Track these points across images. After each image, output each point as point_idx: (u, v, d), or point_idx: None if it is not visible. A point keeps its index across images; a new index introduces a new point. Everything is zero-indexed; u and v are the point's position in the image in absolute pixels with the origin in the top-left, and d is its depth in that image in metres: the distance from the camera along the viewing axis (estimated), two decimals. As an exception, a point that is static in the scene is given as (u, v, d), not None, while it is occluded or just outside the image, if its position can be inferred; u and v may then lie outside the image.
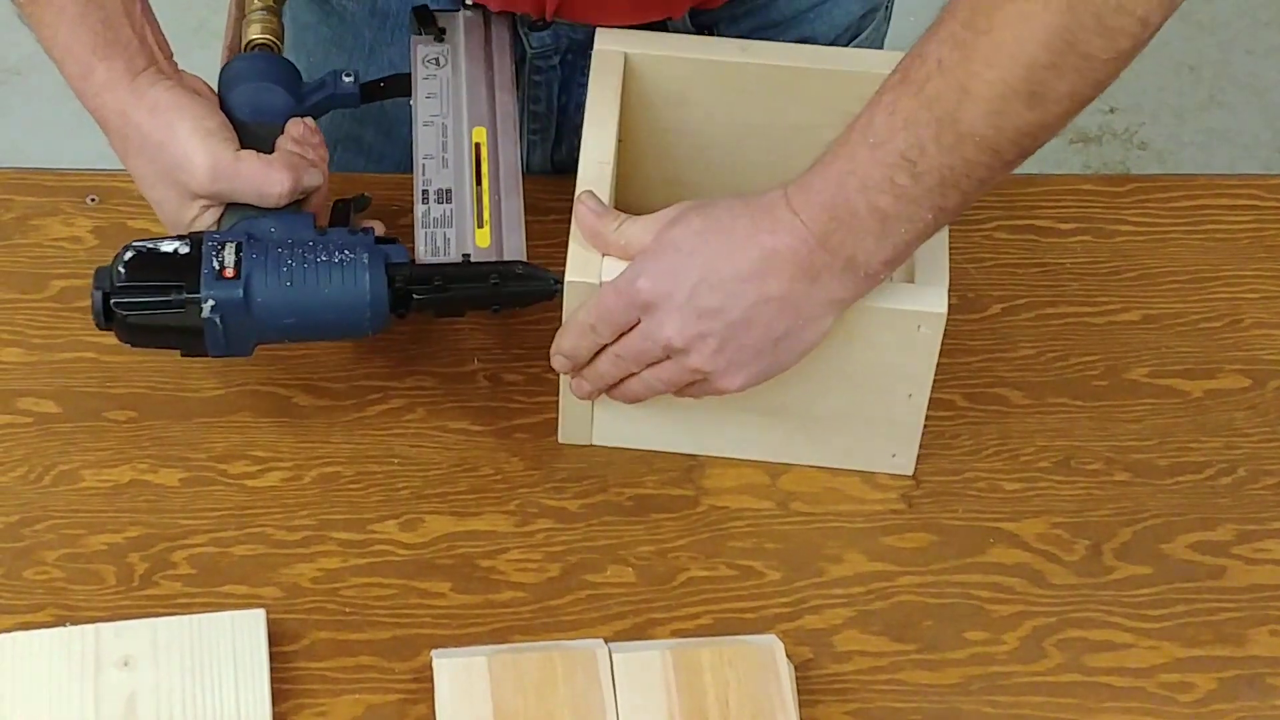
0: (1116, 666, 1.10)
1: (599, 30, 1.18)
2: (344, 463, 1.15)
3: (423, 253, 1.12)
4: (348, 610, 1.10)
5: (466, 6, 1.23)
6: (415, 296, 1.11)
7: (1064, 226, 1.29)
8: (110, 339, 1.14)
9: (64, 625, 1.06)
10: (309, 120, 1.16)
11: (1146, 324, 1.25)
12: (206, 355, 1.10)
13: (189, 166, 1.10)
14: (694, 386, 1.09)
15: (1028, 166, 1.05)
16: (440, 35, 1.21)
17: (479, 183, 1.15)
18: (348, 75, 1.19)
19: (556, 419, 1.17)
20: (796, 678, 1.07)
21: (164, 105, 1.11)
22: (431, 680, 1.05)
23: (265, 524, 1.13)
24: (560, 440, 1.17)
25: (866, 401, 1.13)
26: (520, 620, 1.10)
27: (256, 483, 1.14)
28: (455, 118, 1.18)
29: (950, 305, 1.14)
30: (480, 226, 1.13)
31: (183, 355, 1.12)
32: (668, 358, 1.08)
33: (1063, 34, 0.98)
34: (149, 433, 1.15)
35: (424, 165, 1.16)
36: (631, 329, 1.08)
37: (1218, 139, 2.55)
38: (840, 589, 1.12)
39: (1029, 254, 1.27)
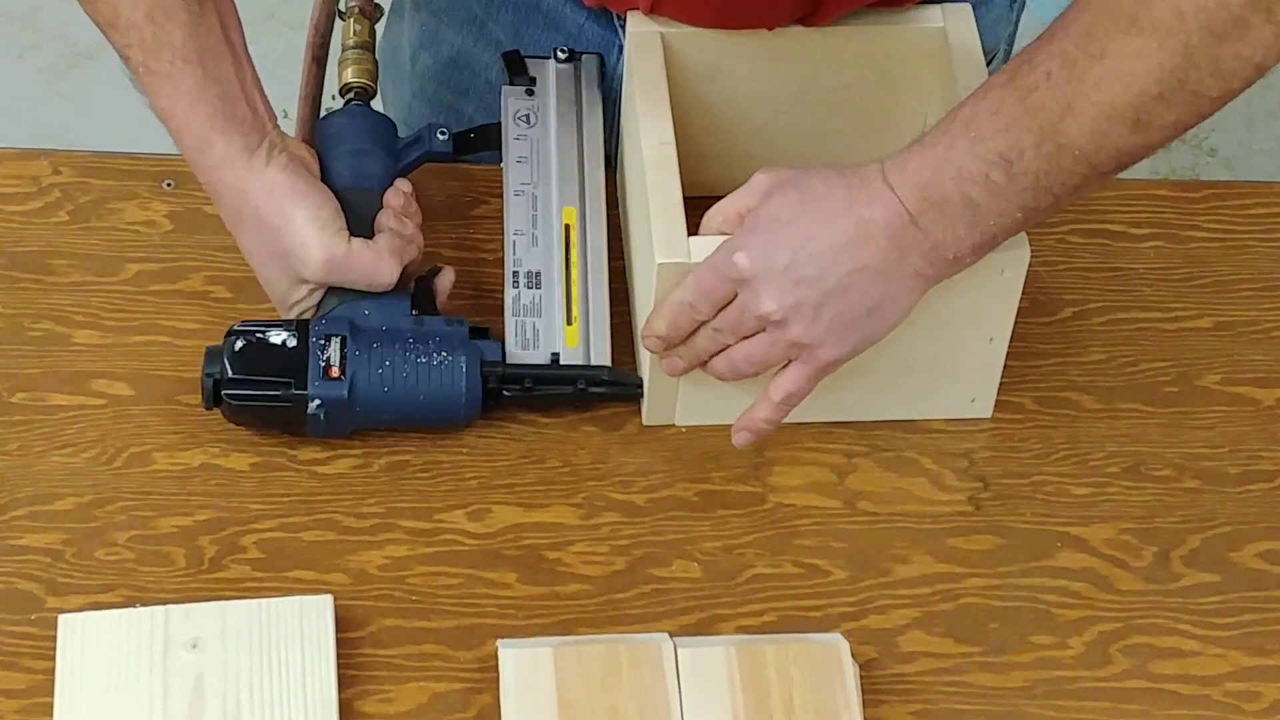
0: (1182, 674, 1.09)
1: (630, 15, 1.18)
2: (413, 451, 1.16)
3: (512, 343, 1.15)
4: (414, 598, 1.10)
5: (559, 60, 1.23)
6: (505, 394, 1.14)
7: (1137, 231, 1.28)
8: (184, 323, 1.15)
9: (134, 606, 1.07)
10: (406, 187, 1.18)
11: (1219, 331, 1.24)
12: (306, 436, 1.14)
13: (304, 256, 1.13)
14: (791, 362, 1.09)
15: (1104, 170, 1.05)
16: (531, 87, 1.22)
17: (569, 271, 1.17)
18: (442, 133, 1.21)
19: (624, 412, 1.17)
20: (860, 677, 1.06)
21: (280, 189, 1.12)
22: (496, 670, 1.05)
23: (334, 510, 1.13)
24: (645, 422, 1.17)
25: (948, 347, 1.14)
26: (585, 613, 1.10)
27: (326, 469, 1.15)
28: (544, 189, 1.20)
29: (1021, 308, 1.15)
30: (569, 324, 1.15)
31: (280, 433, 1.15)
32: (763, 331, 1.08)
33: (1176, 73, 0.98)
34: (220, 418, 1.16)
35: (514, 242, 1.18)
36: (729, 304, 1.08)
37: (1288, 147, 2.53)
38: (906, 589, 1.12)
39: (1102, 258, 1.27)
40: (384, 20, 1.41)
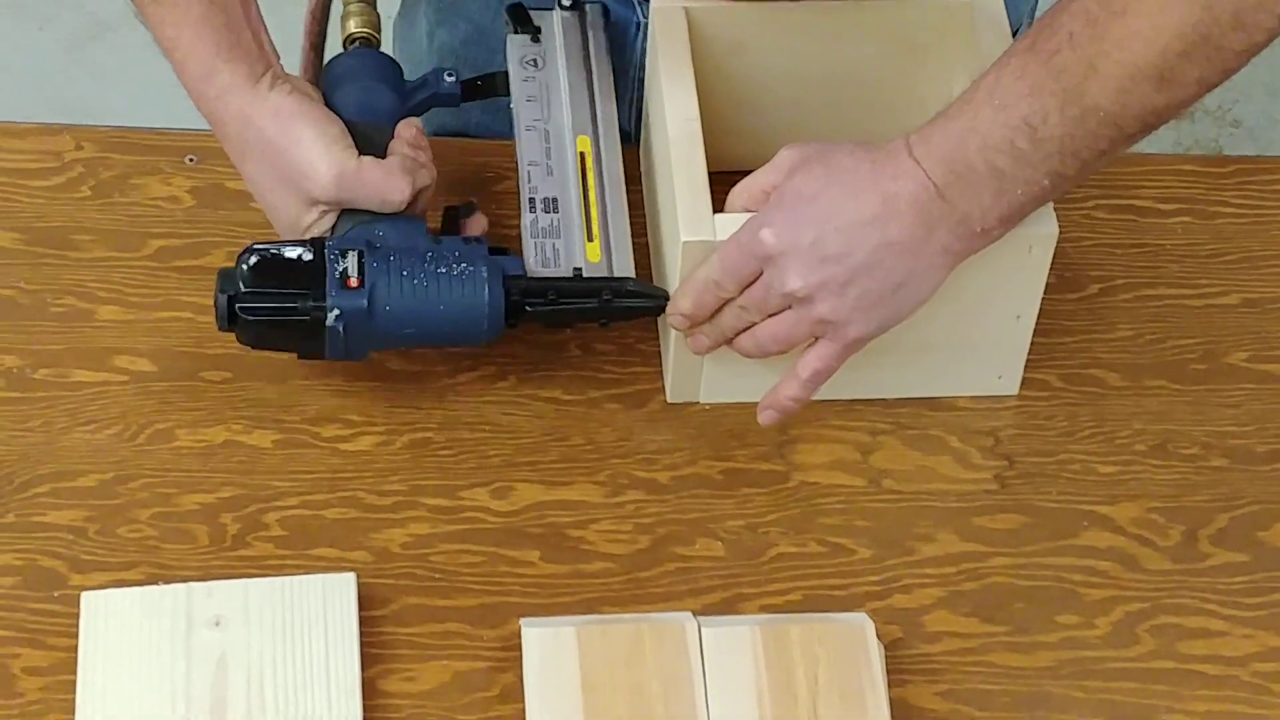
0: (1210, 654, 1.09)
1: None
2: (436, 429, 1.15)
3: (533, 263, 1.14)
4: (437, 576, 1.10)
5: (563, 7, 1.22)
6: (528, 309, 1.12)
7: (1164, 207, 1.27)
8: (207, 299, 1.14)
9: (156, 584, 1.07)
10: (417, 121, 1.17)
11: (1246, 308, 1.23)
12: (323, 359, 1.12)
13: (313, 174, 1.11)
14: (818, 340, 1.09)
15: (1129, 145, 1.04)
16: (536, 35, 1.22)
17: (585, 194, 1.16)
18: (449, 75, 1.20)
19: (648, 389, 1.17)
20: (886, 657, 1.06)
21: (286, 111, 1.12)
22: (519, 649, 1.05)
23: (357, 488, 1.13)
24: (669, 400, 1.17)
25: (975, 325, 1.14)
26: (609, 591, 1.10)
27: (349, 446, 1.14)
28: (557, 124, 1.19)
29: (1048, 284, 1.14)
30: (590, 240, 1.14)
31: (299, 358, 1.13)
32: (789, 308, 1.07)
33: (1198, 27, 0.98)
34: (243, 394, 1.16)
35: (529, 172, 1.17)
36: (754, 281, 1.08)
37: (1313, 118, 2.52)
38: (931, 569, 1.11)
39: (1128, 234, 1.26)
40: (397, 3, 1.41)
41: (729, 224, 1.09)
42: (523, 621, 1.06)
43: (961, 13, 1.18)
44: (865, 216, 1.05)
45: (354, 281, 1.09)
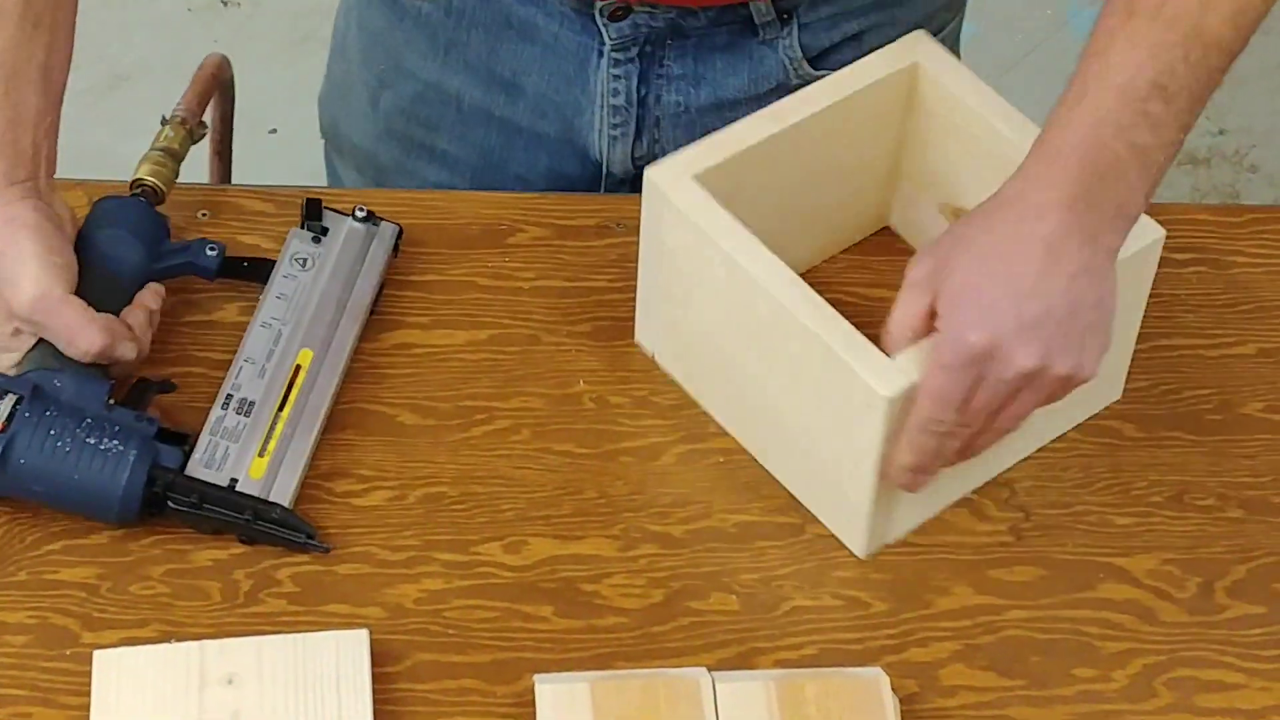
0: (1228, 707, 1.08)
1: (647, 170, 1.13)
2: (449, 483, 1.15)
3: (198, 459, 1.12)
4: (450, 632, 1.09)
5: (357, 218, 1.22)
6: (170, 504, 1.10)
7: (1179, 257, 1.27)
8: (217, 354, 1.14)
9: (169, 641, 1.07)
10: (161, 291, 1.16)
11: (1262, 358, 1.23)
12: None
13: (16, 286, 1.10)
14: (1051, 399, 1.06)
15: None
16: (320, 235, 1.21)
17: (281, 406, 1.14)
18: (211, 249, 1.19)
19: (661, 442, 1.17)
20: (901, 711, 1.05)
21: (20, 221, 1.11)
22: (533, 705, 1.05)
23: (370, 543, 1.13)
24: (867, 553, 1.13)
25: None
26: (623, 646, 1.09)
27: (361, 501, 1.14)
28: (293, 329, 1.17)
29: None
30: (260, 455, 1.12)
31: None
32: (1019, 389, 1.04)
33: None
34: (256, 449, 1.15)
35: (241, 368, 1.15)
36: (972, 396, 1.04)
37: (1330, 163, 2.51)
38: (947, 622, 1.11)
39: (1143, 284, 1.25)
40: (323, 68, 1.40)
41: (916, 360, 1.04)
42: (536, 678, 1.06)
43: (909, 68, 1.18)
44: (1038, 268, 1.02)
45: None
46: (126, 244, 1.17)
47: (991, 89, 1.16)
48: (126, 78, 2.42)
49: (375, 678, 1.06)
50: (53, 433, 1.09)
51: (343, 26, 1.38)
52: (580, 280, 1.24)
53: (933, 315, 1.05)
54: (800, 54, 1.27)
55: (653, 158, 1.21)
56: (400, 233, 1.22)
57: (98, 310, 1.12)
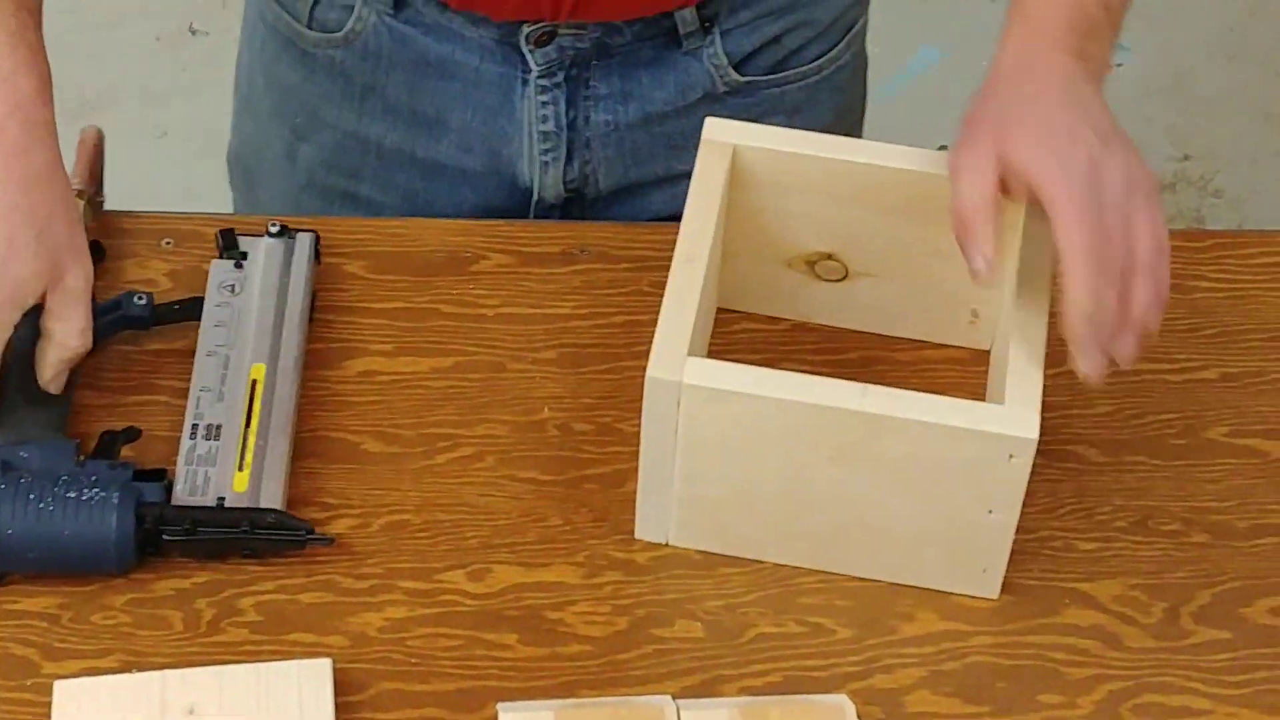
0: (1193, 733, 1.08)
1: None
2: (412, 510, 1.15)
3: (181, 491, 1.12)
4: (414, 660, 1.09)
5: (270, 234, 1.22)
6: (165, 538, 1.10)
7: (1143, 282, 1.27)
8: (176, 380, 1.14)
9: (130, 671, 1.06)
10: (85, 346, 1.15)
11: (1225, 382, 1.23)
12: None
13: (81, 255, 1.13)
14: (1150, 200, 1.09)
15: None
16: (241, 260, 1.21)
17: (248, 421, 1.14)
18: (140, 299, 1.19)
19: (626, 469, 1.16)
20: (867, 738, 1.05)
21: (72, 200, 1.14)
22: (497, 733, 1.04)
23: (333, 572, 1.12)
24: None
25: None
26: (587, 674, 1.09)
27: (324, 530, 1.14)
28: (239, 350, 1.17)
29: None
30: (240, 470, 1.12)
31: None
32: (1132, 195, 1.07)
33: None
34: (218, 478, 1.15)
35: (199, 398, 1.15)
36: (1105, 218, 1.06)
37: (1294, 188, 2.52)
38: (912, 648, 1.11)
39: (1107, 309, 1.26)
40: (230, 121, 1.40)
41: (1024, 406, 1.07)
42: (500, 706, 1.05)
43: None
44: (1082, 100, 1.08)
45: None
46: None
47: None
48: (94, 105, 2.41)
49: (338, 707, 1.05)
50: (32, 496, 1.08)
51: (246, 83, 1.38)
52: (544, 307, 1.24)
53: (1003, 189, 1.07)
54: (725, 60, 1.28)
55: (585, 179, 1.22)
56: (318, 239, 1.22)
57: (42, 392, 1.13)
